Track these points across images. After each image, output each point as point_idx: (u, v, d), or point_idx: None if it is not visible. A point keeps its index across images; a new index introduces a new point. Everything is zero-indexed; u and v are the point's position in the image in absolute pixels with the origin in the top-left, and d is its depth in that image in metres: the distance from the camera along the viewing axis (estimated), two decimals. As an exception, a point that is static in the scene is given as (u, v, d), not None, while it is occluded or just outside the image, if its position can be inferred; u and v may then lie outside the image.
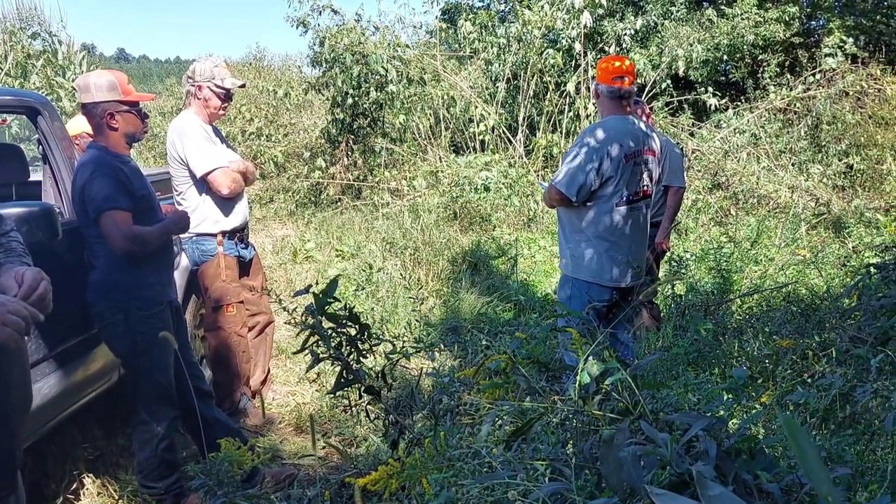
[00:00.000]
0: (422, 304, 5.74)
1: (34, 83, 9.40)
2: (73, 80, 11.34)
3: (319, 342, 2.48)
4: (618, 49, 10.10)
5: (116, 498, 3.21)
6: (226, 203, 3.94)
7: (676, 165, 4.79)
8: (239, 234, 4.04)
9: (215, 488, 1.67)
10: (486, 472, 1.83)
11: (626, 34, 10.04)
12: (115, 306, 2.99)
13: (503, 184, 8.99)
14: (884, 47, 10.90)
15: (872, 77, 9.86)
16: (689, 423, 1.91)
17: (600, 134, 3.50)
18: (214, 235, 3.93)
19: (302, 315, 2.47)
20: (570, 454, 1.85)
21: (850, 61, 9.95)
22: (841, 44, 9.91)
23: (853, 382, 2.55)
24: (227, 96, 4.02)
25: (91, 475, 3.33)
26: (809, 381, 2.82)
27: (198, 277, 4.01)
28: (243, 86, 4.23)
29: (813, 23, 11.94)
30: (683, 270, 5.02)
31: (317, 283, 2.67)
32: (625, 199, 3.51)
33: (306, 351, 2.47)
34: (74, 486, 3.25)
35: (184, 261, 4.06)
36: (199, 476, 1.77)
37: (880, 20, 11.25)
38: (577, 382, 2.10)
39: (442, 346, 4.68)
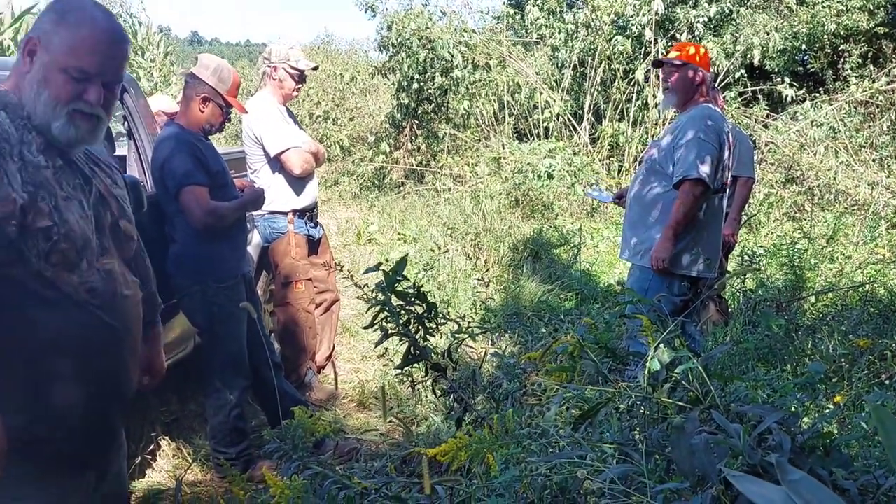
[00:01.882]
0: (488, 286, 5.76)
1: (115, 63, 9.74)
2: (151, 61, 11.76)
3: (388, 318, 2.52)
4: (690, 37, 9.86)
5: (190, 461, 3.33)
6: (297, 182, 4.02)
7: (747, 156, 4.67)
8: (309, 214, 4.12)
9: (290, 452, 1.72)
10: (553, 451, 1.84)
11: (699, 21, 9.79)
12: (193, 278, 3.10)
13: (567, 172, 8.90)
14: (976, 39, 10.36)
15: (964, 69, 9.37)
16: (762, 415, 1.87)
17: (715, 122, 3.41)
18: (285, 213, 4.02)
19: (372, 291, 2.51)
20: (639, 439, 1.84)
21: (938, 53, 9.48)
22: (929, 34, 9.45)
23: (936, 384, 2.46)
24: (300, 78, 4.10)
25: (167, 438, 3.48)
26: (887, 382, 2.74)
27: (268, 254, 4.11)
28: (316, 68, 4.30)
29: (900, 12, 11.42)
30: (755, 265, 4.89)
31: (386, 262, 2.71)
32: (715, 188, 3.43)
33: (375, 327, 2.52)
34: (151, 447, 3.39)
35: (256, 237, 4.16)
36: (275, 440, 1.83)
37: (974, 10, 10.68)
38: (647, 369, 2.08)
39: (504, 331, 4.69)
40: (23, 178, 1.51)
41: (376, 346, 2.52)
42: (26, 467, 1.55)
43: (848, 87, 9.70)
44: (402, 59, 9.73)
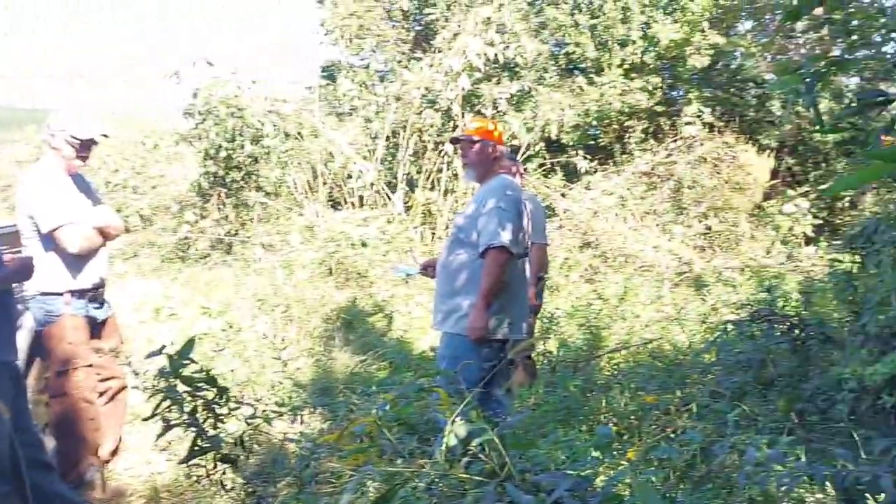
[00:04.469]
0: (286, 365, 5.53)
1: None
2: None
3: (172, 407, 2.32)
4: (494, 111, 10.42)
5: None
6: (76, 260, 3.67)
7: (540, 223, 4.90)
8: (91, 294, 3.76)
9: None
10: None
11: (502, 98, 10.37)
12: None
13: (381, 240, 8.97)
14: (737, 118, 11.83)
15: (728, 145, 10.65)
16: (556, 482, 1.88)
17: (514, 192, 3.65)
18: (61, 294, 3.64)
19: (153, 378, 2.30)
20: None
21: (707, 130, 10.72)
22: (699, 113, 10.67)
23: (712, 437, 2.63)
24: (83, 146, 3.79)
25: None
26: (672, 436, 2.89)
27: (42, 339, 3.68)
28: (105, 136, 3.99)
29: (674, 93, 12.78)
30: (555, 327, 5.11)
31: (182, 343, 2.48)
32: (518, 253, 3.58)
33: (157, 417, 2.30)
34: None
35: (28, 321, 3.74)
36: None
37: (733, 93, 12.20)
38: (444, 444, 2.04)
39: (311, 409, 4.50)
40: None
41: (157, 440, 2.29)
42: None
43: (633, 159, 10.68)
44: (209, 126, 9.45)
